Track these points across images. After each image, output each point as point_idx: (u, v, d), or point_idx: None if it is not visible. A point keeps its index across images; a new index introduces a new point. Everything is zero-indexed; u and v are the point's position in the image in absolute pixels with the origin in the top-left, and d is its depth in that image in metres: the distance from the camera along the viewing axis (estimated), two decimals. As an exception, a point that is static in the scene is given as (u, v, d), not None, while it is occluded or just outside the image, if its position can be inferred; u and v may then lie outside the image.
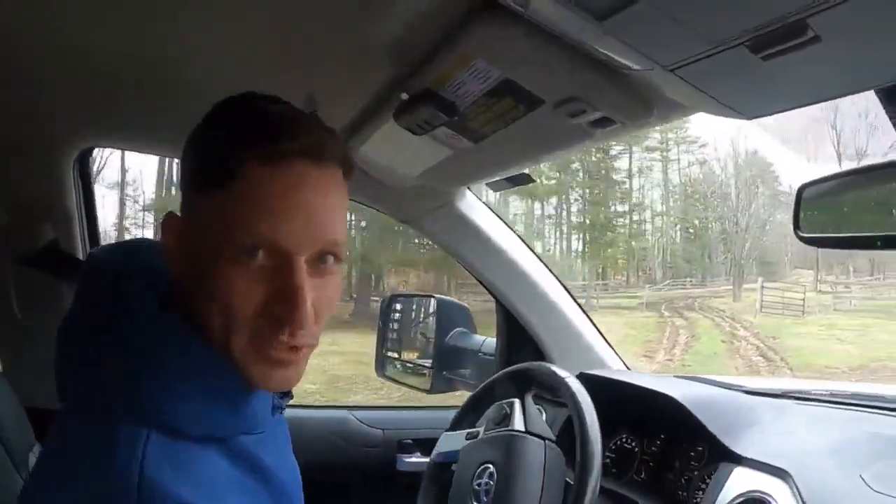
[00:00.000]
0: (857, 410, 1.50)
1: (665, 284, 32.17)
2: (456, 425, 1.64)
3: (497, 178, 1.68)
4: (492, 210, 1.99)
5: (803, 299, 22.53)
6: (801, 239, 1.16)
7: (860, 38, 0.75)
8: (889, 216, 1.05)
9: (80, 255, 1.84)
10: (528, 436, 1.36)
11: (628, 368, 2.10)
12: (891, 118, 1.00)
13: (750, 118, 1.01)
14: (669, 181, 38.00)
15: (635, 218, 37.04)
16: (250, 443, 0.79)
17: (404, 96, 1.22)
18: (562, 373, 1.43)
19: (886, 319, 19.36)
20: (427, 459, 1.66)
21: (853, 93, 0.90)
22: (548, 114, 1.14)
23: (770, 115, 1.00)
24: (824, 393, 1.63)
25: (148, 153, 2.33)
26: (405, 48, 1.15)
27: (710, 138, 36.45)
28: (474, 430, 1.51)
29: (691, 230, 37.49)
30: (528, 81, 1.07)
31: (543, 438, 1.37)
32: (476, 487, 1.40)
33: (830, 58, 0.79)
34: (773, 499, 1.25)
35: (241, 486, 0.75)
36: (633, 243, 35.76)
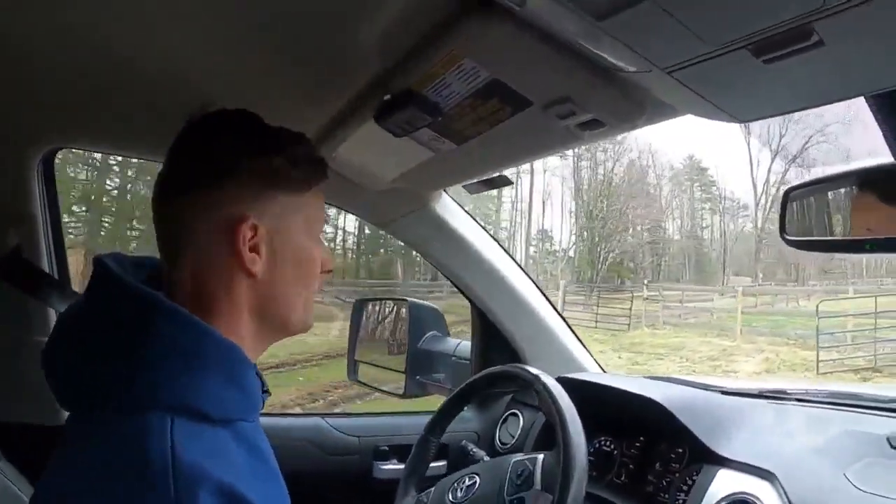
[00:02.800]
0: (834, 409, 1.52)
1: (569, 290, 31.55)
2: (435, 427, 1.63)
3: (475, 181, 1.66)
4: (468, 213, 1.97)
5: (629, 311, 21.33)
6: (788, 242, 1.17)
7: (862, 43, 0.75)
8: (878, 219, 1.06)
9: (45, 264, 1.75)
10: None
11: (604, 371, 2.10)
12: (878, 121, 1.00)
13: (742, 121, 1.01)
14: (582, 180, 37.59)
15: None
16: (249, 430, 0.84)
17: (387, 97, 1.19)
18: (543, 377, 1.42)
19: (711, 336, 18.18)
20: (403, 466, 1.65)
21: (848, 98, 0.89)
22: (536, 115, 1.12)
23: (763, 118, 1.00)
24: (800, 392, 1.65)
25: (117, 154, 2.25)
26: (390, 47, 1.12)
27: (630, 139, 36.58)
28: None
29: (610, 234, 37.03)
30: (517, 82, 1.05)
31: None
32: (455, 486, 1.43)
33: (831, 63, 0.79)
34: (759, 501, 1.27)
35: (254, 469, 0.80)
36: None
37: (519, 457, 1.39)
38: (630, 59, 0.87)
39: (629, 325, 20.58)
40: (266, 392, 0.95)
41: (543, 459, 1.33)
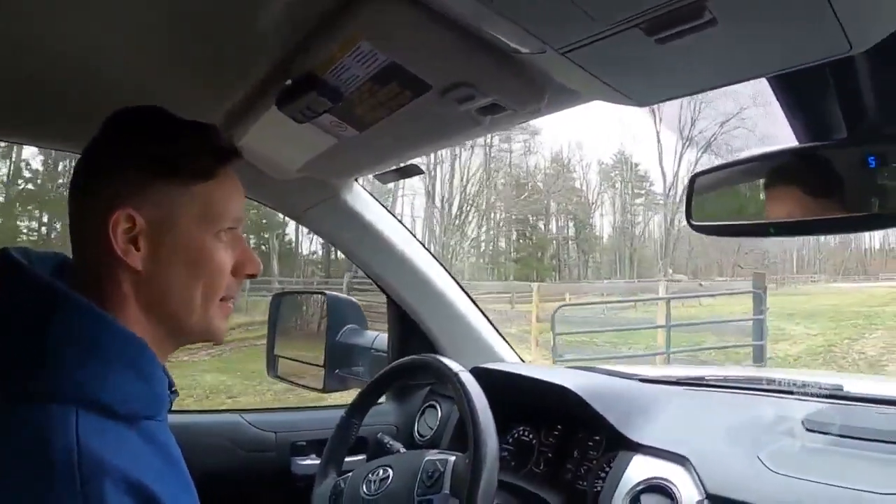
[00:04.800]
0: (749, 395, 1.55)
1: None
2: (355, 411, 1.61)
3: (385, 170, 1.62)
4: (380, 203, 1.94)
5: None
6: (693, 227, 1.16)
7: (756, 23, 0.74)
8: (782, 203, 1.06)
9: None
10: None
11: (522, 361, 2.10)
12: (782, 106, 1.00)
13: (642, 105, 0.99)
14: (490, 171, 35.57)
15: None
16: (156, 429, 0.83)
17: (288, 82, 1.15)
18: (451, 364, 1.40)
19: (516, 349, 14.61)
20: (319, 462, 1.61)
21: (746, 80, 0.89)
22: (435, 100, 1.09)
23: (662, 101, 0.99)
24: (718, 378, 1.68)
25: (13, 143, 2.13)
26: (288, 31, 1.08)
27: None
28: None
29: (530, 230, 36.11)
30: (414, 65, 1.01)
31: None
32: (370, 477, 1.40)
33: (725, 43, 0.77)
34: (673, 485, 1.28)
35: (162, 471, 0.79)
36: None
37: (432, 455, 1.36)
38: (524, 39, 0.85)
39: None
40: (174, 392, 0.94)
41: (455, 462, 1.31)
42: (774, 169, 1.10)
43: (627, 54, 0.82)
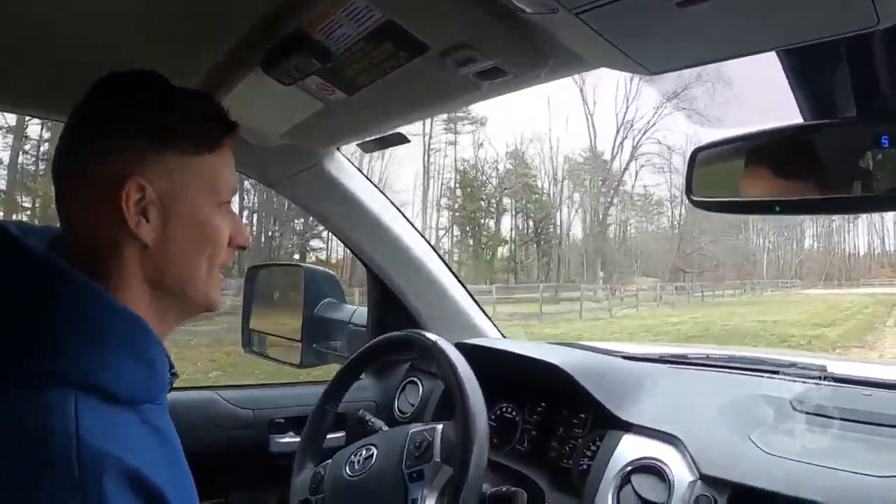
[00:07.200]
0: (735, 373, 1.55)
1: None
2: (331, 396, 1.56)
3: (370, 138, 1.57)
4: (363, 173, 1.89)
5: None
6: (694, 203, 1.13)
7: None
8: (788, 181, 1.03)
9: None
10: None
11: (504, 336, 2.08)
12: (789, 79, 0.97)
13: (652, 73, 0.95)
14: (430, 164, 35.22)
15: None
16: (155, 413, 0.82)
17: (274, 41, 1.10)
18: (427, 335, 1.37)
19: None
20: (299, 439, 1.57)
21: (766, 51, 0.86)
22: (432, 62, 1.04)
23: (675, 69, 0.95)
24: (701, 357, 1.66)
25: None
26: None
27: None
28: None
29: (478, 227, 35.23)
30: (412, 24, 0.97)
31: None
32: (352, 458, 1.35)
33: (751, 10, 0.74)
34: (665, 465, 1.26)
35: (159, 454, 0.78)
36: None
37: (417, 427, 1.33)
38: None
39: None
40: (173, 374, 0.92)
41: (443, 430, 1.27)
42: (781, 145, 1.07)
43: (645, 18, 0.79)
